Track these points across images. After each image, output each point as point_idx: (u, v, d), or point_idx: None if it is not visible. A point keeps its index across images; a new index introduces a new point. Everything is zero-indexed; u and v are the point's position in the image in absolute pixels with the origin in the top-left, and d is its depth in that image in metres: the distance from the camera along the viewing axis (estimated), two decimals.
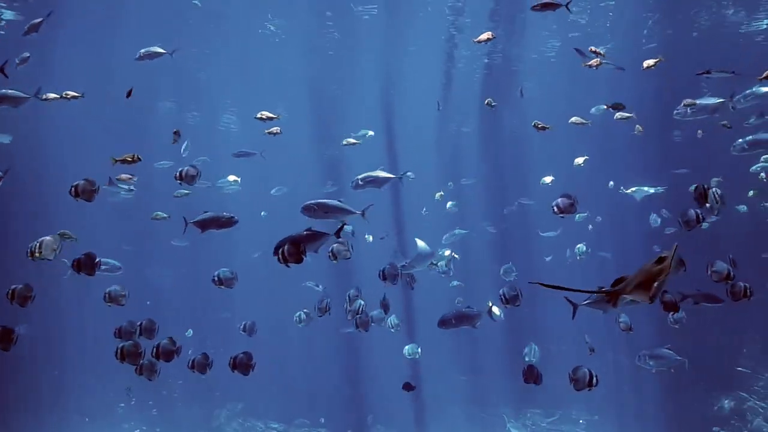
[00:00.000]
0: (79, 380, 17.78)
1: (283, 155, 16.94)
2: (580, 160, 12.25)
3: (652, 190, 13.21)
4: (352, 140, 12.09)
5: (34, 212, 16.17)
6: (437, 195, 14.50)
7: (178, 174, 8.37)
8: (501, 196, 17.99)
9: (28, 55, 9.51)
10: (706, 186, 7.16)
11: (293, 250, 6.91)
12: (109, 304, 8.09)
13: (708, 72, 8.20)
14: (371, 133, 13.04)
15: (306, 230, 7.56)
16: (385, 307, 9.99)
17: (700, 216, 7.24)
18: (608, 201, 15.05)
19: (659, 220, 12.91)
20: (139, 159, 7.75)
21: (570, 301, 7.01)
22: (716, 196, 7.16)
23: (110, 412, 17.44)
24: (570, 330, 12.42)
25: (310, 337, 20.08)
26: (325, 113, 20.77)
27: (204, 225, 8.56)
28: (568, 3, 8.00)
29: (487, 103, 10.91)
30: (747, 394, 14.10)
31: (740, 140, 10.92)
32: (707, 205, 7.13)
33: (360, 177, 10.41)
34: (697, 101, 10.70)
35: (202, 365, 8.17)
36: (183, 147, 14.45)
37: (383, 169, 10.51)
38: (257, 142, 16.78)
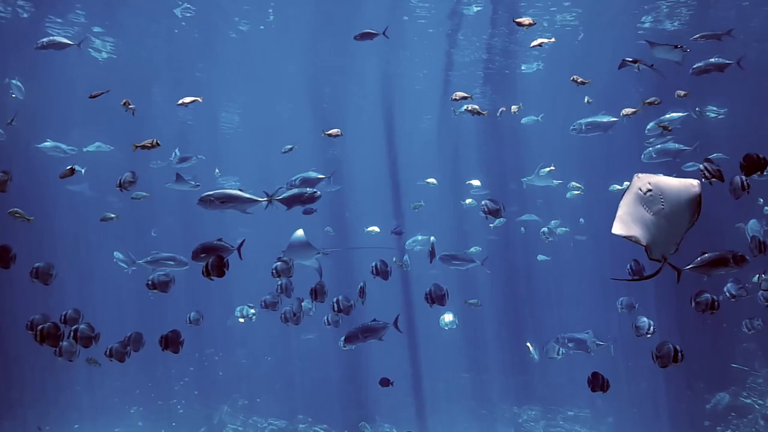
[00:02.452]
0: (79, 376, 17.88)
1: (284, 155, 16.96)
2: (545, 170, 12.51)
3: (555, 182, 13.43)
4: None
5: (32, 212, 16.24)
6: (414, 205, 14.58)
7: (118, 182, 8.24)
8: (502, 196, 18.03)
9: None
10: (761, 156, 7.02)
11: (218, 263, 6.99)
12: (153, 290, 8.27)
13: (635, 61, 8.25)
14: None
15: (217, 240, 7.62)
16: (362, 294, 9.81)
17: (745, 183, 7.19)
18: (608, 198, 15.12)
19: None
20: (158, 144, 7.79)
21: (673, 267, 6.68)
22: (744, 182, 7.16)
23: (111, 410, 17.53)
24: (570, 328, 12.49)
25: (312, 333, 20.16)
26: (325, 113, 20.82)
27: (289, 202, 8.39)
28: (384, 30, 9.58)
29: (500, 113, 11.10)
30: (744, 391, 14.20)
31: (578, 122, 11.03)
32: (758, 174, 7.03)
33: (295, 178, 10.51)
34: (591, 119, 11.08)
35: (120, 354, 8.26)
36: (173, 154, 14.54)
37: (314, 171, 10.54)
38: (257, 142, 16.93)
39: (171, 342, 8.01)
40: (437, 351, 19.39)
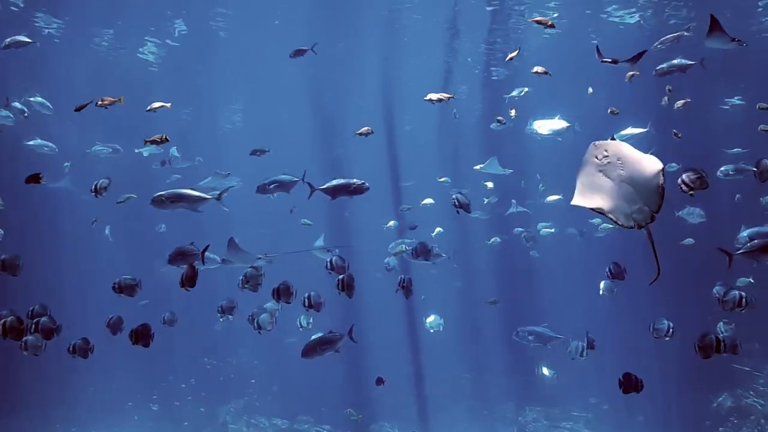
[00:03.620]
0: (85, 376, 17.90)
1: (285, 155, 16.97)
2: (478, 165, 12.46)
3: (506, 171, 13.54)
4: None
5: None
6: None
7: (93, 187, 8.20)
8: (503, 195, 17.97)
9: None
10: None
11: (191, 274, 7.19)
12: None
13: (614, 61, 8.18)
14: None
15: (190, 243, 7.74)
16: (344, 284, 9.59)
17: None
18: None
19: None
20: (167, 140, 7.83)
21: (725, 251, 6.60)
22: None
23: (115, 408, 17.55)
24: (570, 328, 12.46)
25: (313, 334, 20.12)
26: (326, 113, 20.82)
27: (334, 191, 8.39)
28: (313, 46, 10.43)
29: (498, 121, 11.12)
30: (746, 392, 14.15)
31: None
32: None
33: (267, 181, 10.51)
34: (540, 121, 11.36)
35: (83, 350, 8.26)
36: (170, 155, 14.55)
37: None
38: (258, 142, 16.89)
39: (141, 336, 7.94)
40: (439, 351, 19.37)
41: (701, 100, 11.51)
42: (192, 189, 7.87)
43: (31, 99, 12.67)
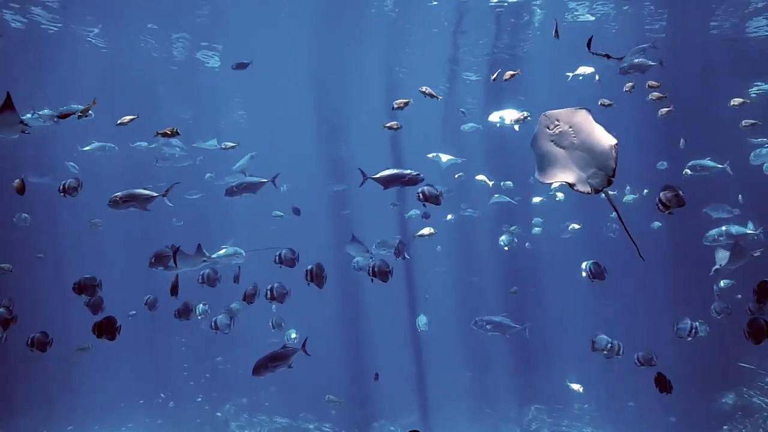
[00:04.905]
0: (86, 375, 17.95)
1: (287, 155, 16.99)
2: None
3: (458, 160, 13.76)
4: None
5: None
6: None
7: (61, 187, 8.19)
8: (506, 193, 17.93)
9: None
10: None
11: (174, 284, 7.60)
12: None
13: (607, 56, 8.07)
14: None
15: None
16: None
17: None
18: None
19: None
20: (178, 133, 7.96)
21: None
22: None
23: (116, 406, 17.60)
24: (571, 328, 12.44)
25: (315, 332, 20.14)
26: (330, 112, 20.81)
27: (387, 181, 8.17)
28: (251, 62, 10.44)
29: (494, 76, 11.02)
30: (751, 390, 14.07)
31: None
32: None
33: (235, 184, 10.48)
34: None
35: (41, 343, 8.27)
36: (164, 152, 14.57)
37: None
38: (262, 139, 16.96)
39: (106, 329, 7.87)
40: (441, 350, 19.35)
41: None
42: (144, 188, 8.04)
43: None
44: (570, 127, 4.09)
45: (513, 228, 14.83)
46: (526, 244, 16.21)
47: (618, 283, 13.92)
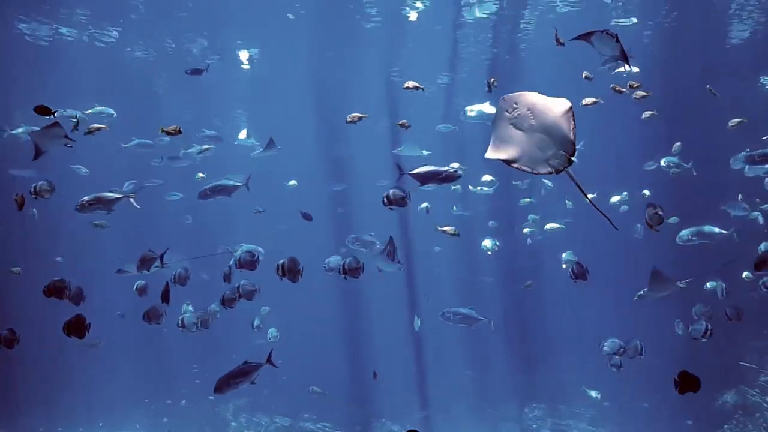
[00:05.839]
0: (87, 374, 17.97)
1: (288, 155, 16.97)
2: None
3: (424, 152, 13.79)
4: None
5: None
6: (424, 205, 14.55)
7: (33, 189, 8.12)
8: (507, 193, 17.93)
9: None
10: None
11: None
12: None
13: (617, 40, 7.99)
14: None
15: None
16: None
17: None
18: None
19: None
20: (180, 131, 8.04)
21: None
22: None
23: (117, 406, 17.62)
24: (572, 328, 12.44)
25: (316, 332, 20.17)
26: (329, 112, 20.79)
27: (424, 178, 8.04)
28: (207, 67, 10.93)
29: (491, 83, 11.00)
30: (752, 389, 14.06)
31: None
32: None
33: (208, 187, 10.48)
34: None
35: (8, 341, 8.30)
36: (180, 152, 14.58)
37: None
38: (262, 140, 16.93)
39: (74, 328, 7.87)
40: (442, 349, 19.35)
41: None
42: (111, 191, 8.20)
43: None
44: (528, 110, 4.11)
45: (532, 220, 14.93)
46: (528, 240, 16.21)
47: (618, 284, 13.93)
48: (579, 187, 4.33)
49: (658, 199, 13.75)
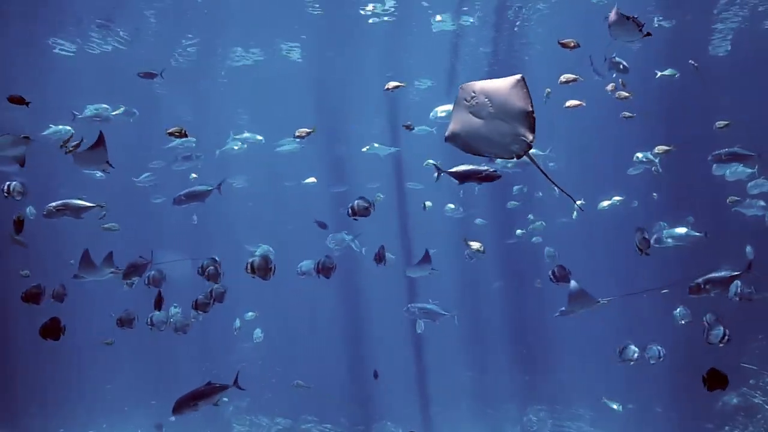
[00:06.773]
0: (86, 375, 17.97)
1: (287, 155, 16.98)
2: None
3: (390, 149, 14.05)
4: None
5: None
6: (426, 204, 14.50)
7: (6, 189, 8.01)
8: (506, 193, 17.94)
9: None
10: None
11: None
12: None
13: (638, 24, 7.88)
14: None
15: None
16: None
17: None
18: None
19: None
20: (186, 134, 8.02)
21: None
22: None
23: (116, 406, 17.62)
24: (572, 328, 12.43)
25: (316, 333, 20.17)
26: (329, 112, 20.81)
27: (462, 177, 7.96)
28: (161, 72, 10.76)
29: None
30: (753, 391, 14.04)
31: None
32: None
33: (182, 193, 10.50)
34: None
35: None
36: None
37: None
38: (262, 141, 16.97)
39: (50, 331, 7.90)
40: (442, 350, 19.34)
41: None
42: (79, 199, 8.18)
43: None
44: (486, 97, 4.12)
45: (536, 224, 14.98)
46: (533, 239, 16.21)
47: (618, 284, 13.91)
48: (540, 169, 4.44)
49: (658, 198, 13.77)
